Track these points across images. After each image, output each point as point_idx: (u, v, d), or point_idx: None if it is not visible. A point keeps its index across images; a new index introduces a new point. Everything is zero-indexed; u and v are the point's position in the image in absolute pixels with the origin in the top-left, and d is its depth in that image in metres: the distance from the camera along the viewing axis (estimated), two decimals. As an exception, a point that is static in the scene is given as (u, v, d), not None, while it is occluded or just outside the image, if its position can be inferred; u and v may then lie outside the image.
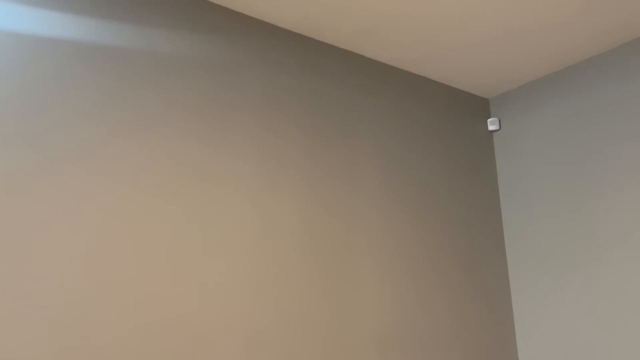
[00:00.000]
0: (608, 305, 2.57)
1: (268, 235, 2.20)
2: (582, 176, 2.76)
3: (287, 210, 2.27)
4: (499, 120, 3.21)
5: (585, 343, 2.62)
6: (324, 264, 2.32)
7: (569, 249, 2.76)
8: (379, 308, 2.43)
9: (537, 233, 2.90)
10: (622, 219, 2.57)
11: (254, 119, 2.29)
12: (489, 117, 3.27)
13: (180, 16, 2.20)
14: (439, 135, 2.95)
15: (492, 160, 3.17)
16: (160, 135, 2.03)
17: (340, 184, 2.48)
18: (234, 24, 2.34)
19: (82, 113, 1.88)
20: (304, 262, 2.27)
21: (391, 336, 2.43)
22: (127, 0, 2.08)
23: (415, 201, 2.73)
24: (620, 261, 2.55)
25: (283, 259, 2.21)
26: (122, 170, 1.92)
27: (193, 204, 2.04)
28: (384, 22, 2.49)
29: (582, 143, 2.79)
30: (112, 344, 1.76)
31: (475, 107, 3.21)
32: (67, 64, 1.89)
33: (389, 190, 2.64)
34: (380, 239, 2.53)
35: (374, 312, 2.41)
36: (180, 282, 1.94)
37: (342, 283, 2.35)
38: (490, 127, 3.19)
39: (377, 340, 2.38)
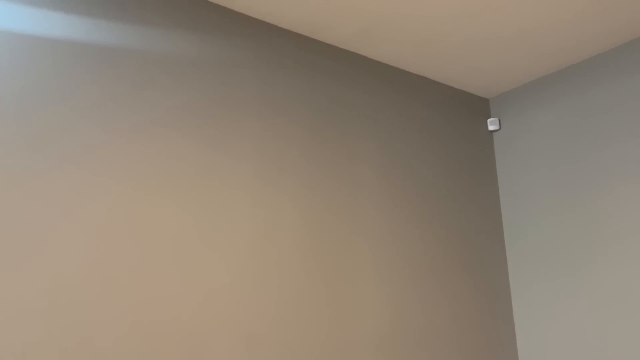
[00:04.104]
0: (608, 305, 2.56)
1: (268, 235, 2.20)
2: (582, 176, 2.76)
3: (287, 210, 2.27)
4: (499, 120, 3.21)
5: (585, 343, 2.62)
6: (324, 264, 2.32)
7: (569, 248, 2.75)
8: (378, 307, 2.43)
9: (537, 233, 2.90)
10: (622, 218, 2.57)
11: (254, 119, 2.29)
12: (489, 117, 3.27)
13: (180, 16, 2.20)
14: (439, 135, 2.95)
15: (492, 160, 3.17)
16: (160, 135, 2.03)
17: (340, 183, 2.48)
18: (234, 24, 2.34)
19: (82, 113, 1.88)
20: (304, 261, 2.27)
21: (390, 336, 2.43)
22: (127, 0, 2.08)
23: (415, 201, 2.73)
24: (620, 261, 2.55)
25: (283, 259, 2.21)
26: (122, 170, 1.92)
27: (193, 203, 2.04)
28: (384, 22, 2.49)
29: (582, 143, 2.79)
30: (112, 343, 1.76)
31: (475, 107, 3.21)
32: (67, 64, 1.89)
33: (389, 190, 2.64)
34: (380, 238, 2.53)
35: (374, 312, 2.41)
36: (181, 282, 1.94)
37: (341, 282, 2.35)
38: (490, 127, 3.19)
39: (376, 340, 2.38)
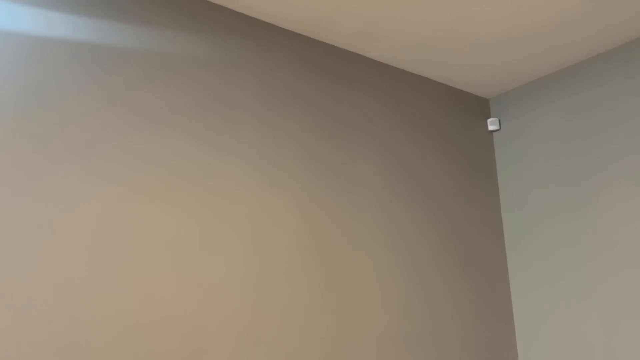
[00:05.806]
0: (608, 305, 2.56)
1: (268, 235, 2.20)
2: (582, 176, 2.76)
3: (287, 210, 2.27)
4: (499, 120, 3.21)
5: (585, 343, 2.62)
6: (324, 264, 2.32)
7: (569, 249, 2.76)
8: (378, 308, 2.43)
9: (537, 233, 2.90)
10: (621, 218, 2.57)
11: (254, 119, 2.29)
12: (489, 117, 3.27)
13: (180, 16, 2.20)
14: (439, 135, 2.95)
15: (492, 160, 3.17)
16: (160, 135, 2.03)
17: (340, 184, 2.48)
18: (234, 24, 2.34)
19: (82, 113, 1.88)
20: (304, 262, 2.27)
21: (391, 336, 2.43)
22: (127, 0, 2.08)
23: (415, 201, 2.73)
24: (620, 261, 2.55)
25: (283, 259, 2.21)
26: (122, 169, 1.92)
27: (193, 203, 2.04)
28: (384, 22, 2.49)
29: (582, 143, 2.79)
30: (111, 343, 1.76)
31: (475, 107, 3.21)
32: (67, 64, 1.89)
33: (389, 190, 2.64)
34: (380, 239, 2.53)
35: (374, 312, 2.41)
36: (180, 282, 1.94)
37: (341, 283, 2.35)
38: (490, 127, 3.19)
39: (376, 340, 2.38)
